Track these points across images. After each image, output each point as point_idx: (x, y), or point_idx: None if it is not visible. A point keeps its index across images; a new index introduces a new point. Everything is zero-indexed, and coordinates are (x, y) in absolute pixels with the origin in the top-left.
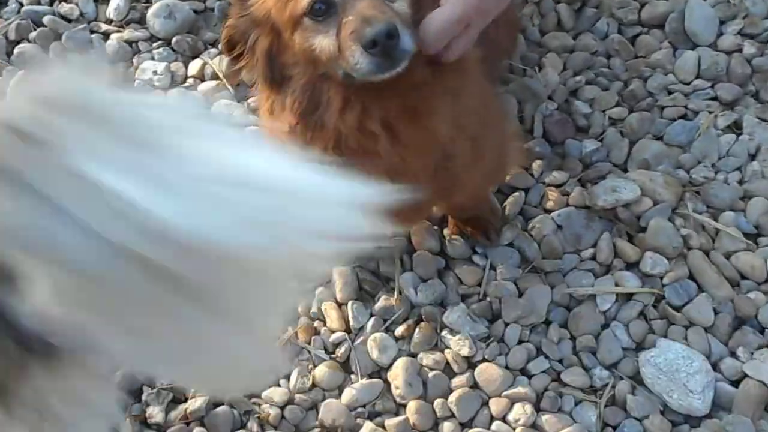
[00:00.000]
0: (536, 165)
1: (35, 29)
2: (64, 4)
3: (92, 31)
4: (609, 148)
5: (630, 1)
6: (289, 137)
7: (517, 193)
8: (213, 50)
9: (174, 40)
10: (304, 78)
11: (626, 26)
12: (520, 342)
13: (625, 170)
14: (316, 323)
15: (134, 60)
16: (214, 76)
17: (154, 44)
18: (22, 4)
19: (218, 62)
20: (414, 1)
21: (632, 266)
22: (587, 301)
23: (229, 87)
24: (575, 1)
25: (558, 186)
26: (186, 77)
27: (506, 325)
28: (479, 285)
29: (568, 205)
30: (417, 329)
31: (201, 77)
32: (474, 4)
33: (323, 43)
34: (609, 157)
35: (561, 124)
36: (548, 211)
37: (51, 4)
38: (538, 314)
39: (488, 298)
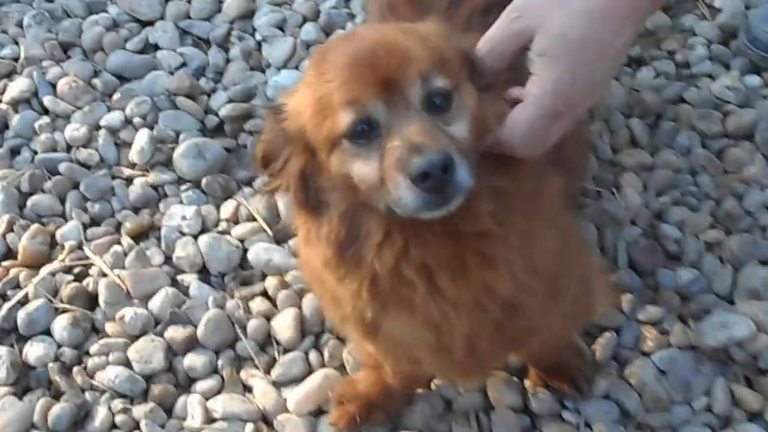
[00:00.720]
0: (626, 299)
1: (50, 178)
2: (82, 149)
3: (114, 177)
4: (709, 277)
5: (711, 111)
6: (326, 271)
7: (608, 334)
8: (247, 189)
9: (204, 181)
10: (342, 206)
11: (710, 139)
12: None
13: (732, 302)
14: None
15: (160, 205)
16: (251, 218)
17: (182, 187)
18: (35, 152)
19: (255, 202)
20: (478, 122)
21: (756, 417)
22: None
23: (268, 229)
24: (649, 115)
25: (655, 324)
26: (218, 221)
27: None
28: None
29: (669, 345)
30: None
31: (235, 219)
32: (564, 93)
33: (363, 170)
34: (711, 287)
35: (649, 251)
36: (646, 354)
37: (68, 151)
38: None
39: None
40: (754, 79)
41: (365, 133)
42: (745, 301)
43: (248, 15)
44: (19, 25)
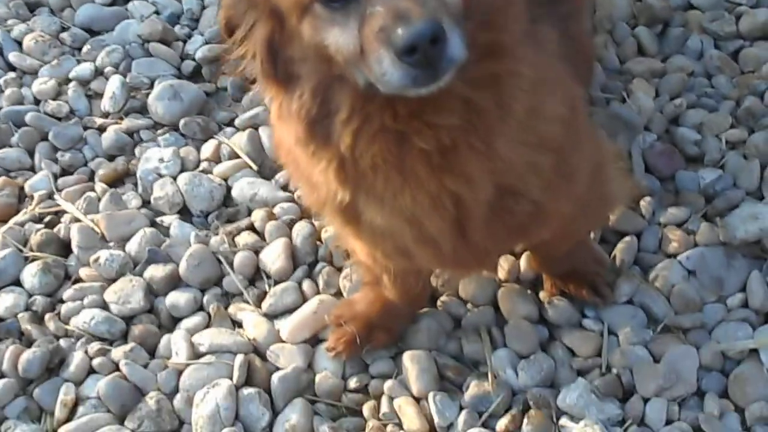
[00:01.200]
0: (645, 203)
1: (16, 132)
2: (50, 101)
3: (85, 127)
4: (734, 174)
5: (723, 12)
6: (298, 149)
7: (627, 238)
8: (229, 129)
9: (182, 122)
10: (315, 79)
11: (723, 41)
12: (668, 422)
13: (761, 197)
14: (389, 427)
15: (136, 151)
16: (233, 156)
17: (159, 131)
18: (0, 108)
19: (237, 139)
20: None
21: None
22: (748, 358)
23: (252, 164)
24: (656, 22)
25: (679, 225)
26: (199, 161)
27: (645, 401)
28: (598, 355)
29: (696, 245)
30: (525, 420)
31: (217, 159)
32: None
33: (340, 39)
34: (736, 184)
35: (667, 155)
36: (671, 256)
37: (36, 104)
38: (686, 383)
39: (614, 370)
40: None
41: None
42: None
43: None
44: None
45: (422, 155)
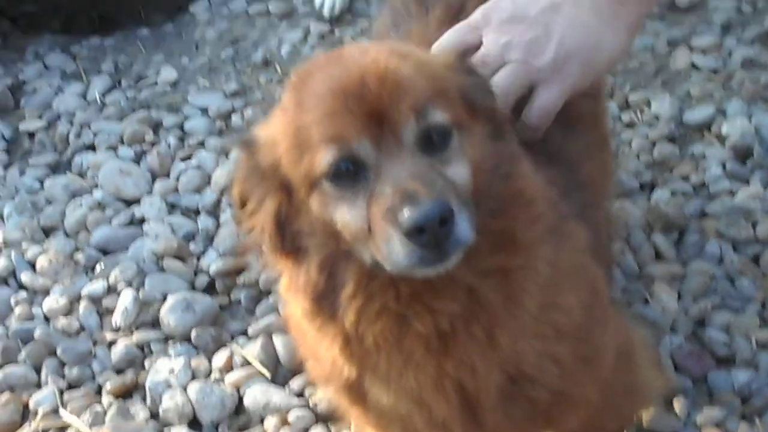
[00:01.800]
0: (678, 403)
1: (23, 347)
2: (61, 318)
3: (95, 343)
4: None
5: (739, 218)
6: (305, 322)
7: None
8: (242, 339)
9: (194, 333)
10: (322, 254)
11: (742, 245)
12: None
13: None
14: None
15: (146, 363)
16: (246, 364)
17: (170, 343)
18: (8, 328)
19: (251, 348)
20: (482, 165)
21: None
22: None
23: (265, 372)
24: (672, 230)
25: (717, 425)
26: (210, 371)
27: None
28: None
29: None
30: None
31: (229, 368)
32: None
33: (348, 217)
34: None
35: (696, 356)
36: None
37: (46, 321)
38: None
39: None
40: None
41: (349, 173)
42: None
43: None
44: (0, 216)
45: (420, 338)
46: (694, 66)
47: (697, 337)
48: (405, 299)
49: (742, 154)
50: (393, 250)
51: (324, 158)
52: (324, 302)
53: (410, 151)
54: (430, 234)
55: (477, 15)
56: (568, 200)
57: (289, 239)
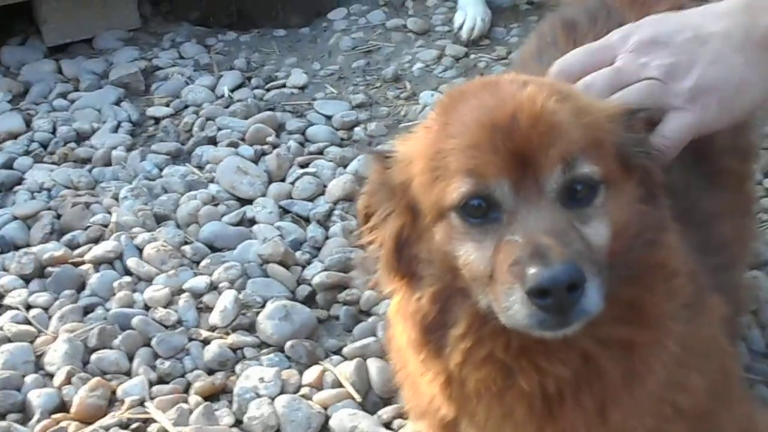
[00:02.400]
0: None
1: (121, 333)
2: (160, 309)
3: (190, 339)
4: None
5: None
6: (408, 350)
7: None
8: (336, 357)
9: (288, 344)
10: (437, 285)
11: None
12: None
13: None
14: None
15: (237, 367)
16: (337, 385)
17: (263, 351)
18: (108, 310)
19: (344, 368)
20: (623, 227)
21: None
22: None
23: (356, 395)
24: None
25: None
26: (300, 386)
27: None
28: None
29: None
30: None
31: (319, 386)
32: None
33: (472, 256)
34: None
35: None
36: None
37: (146, 310)
38: None
39: None
40: None
41: (481, 211)
42: None
43: (353, 197)
44: (115, 197)
45: (524, 396)
46: None
47: None
48: (514, 352)
49: None
50: (512, 306)
51: (457, 190)
52: (432, 336)
53: (550, 202)
54: (555, 298)
55: (614, 35)
56: (701, 262)
57: (405, 262)
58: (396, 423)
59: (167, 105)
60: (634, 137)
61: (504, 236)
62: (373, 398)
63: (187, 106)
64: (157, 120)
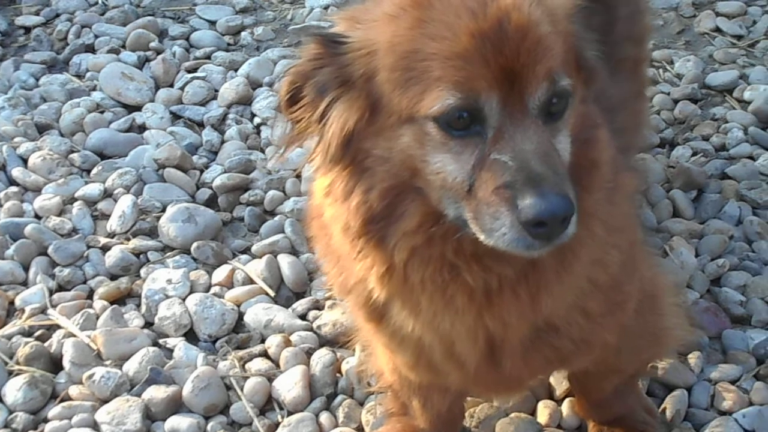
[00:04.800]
0: (693, 358)
1: (12, 243)
2: (53, 217)
3: (89, 246)
4: None
5: (760, 182)
6: (341, 236)
7: (677, 392)
8: (244, 257)
9: (194, 246)
10: (389, 182)
11: (762, 209)
12: None
13: None
14: None
15: (142, 271)
16: (248, 282)
17: (168, 254)
18: None
19: (254, 268)
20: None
21: None
22: None
23: (269, 290)
24: (691, 188)
25: (732, 383)
26: (210, 285)
27: None
28: None
29: (751, 404)
30: None
31: (229, 284)
32: None
33: (449, 167)
34: None
35: (712, 313)
36: (725, 413)
37: (38, 219)
38: None
39: None
40: None
41: (464, 123)
42: None
43: (246, 101)
44: None
45: (466, 289)
46: (718, 30)
47: (713, 295)
48: (463, 254)
49: (764, 120)
50: (498, 229)
51: (443, 101)
52: (374, 226)
53: (533, 119)
54: (549, 228)
55: None
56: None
57: (351, 153)
58: (311, 314)
59: (37, 14)
60: (587, 37)
61: (489, 153)
62: (286, 293)
63: (58, 15)
64: (27, 29)
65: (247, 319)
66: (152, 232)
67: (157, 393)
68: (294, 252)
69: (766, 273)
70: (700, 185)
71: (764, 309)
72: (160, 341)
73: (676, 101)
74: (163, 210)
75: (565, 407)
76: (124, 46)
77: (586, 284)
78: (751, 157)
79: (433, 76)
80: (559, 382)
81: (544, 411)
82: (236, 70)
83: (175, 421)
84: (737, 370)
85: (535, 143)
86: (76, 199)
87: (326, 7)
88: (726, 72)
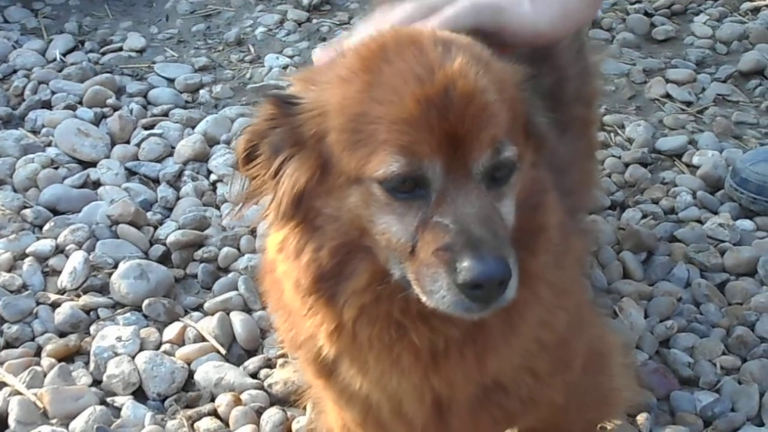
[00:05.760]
0: (642, 418)
1: None
2: (3, 273)
3: (38, 303)
4: (732, 398)
5: (708, 245)
6: (293, 296)
7: None
8: (196, 314)
9: (146, 303)
10: (338, 240)
11: (710, 272)
12: None
13: (761, 424)
14: None
15: (91, 329)
16: (199, 339)
17: (119, 311)
18: None
19: (205, 323)
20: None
21: None
22: None
23: (221, 348)
24: (641, 249)
25: None
26: (161, 343)
27: None
28: None
29: None
30: None
31: (180, 342)
32: None
33: (393, 228)
34: (734, 409)
35: (661, 374)
36: None
37: None
38: None
39: None
40: (746, 223)
41: (408, 187)
42: None
43: (202, 158)
44: None
45: (412, 349)
46: (668, 96)
47: (662, 357)
48: (411, 314)
49: (712, 185)
50: (437, 291)
51: (387, 166)
52: (324, 284)
53: (476, 184)
54: (485, 291)
55: None
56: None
57: (303, 211)
58: (262, 373)
59: None
60: (536, 104)
61: (431, 215)
62: (238, 351)
63: (15, 71)
64: None
65: (197, 377)
66: (103, 289)
67: None
68: (247, 309)
69: (714, 335)
70: (649, 247)
71: (711, 371)
72: (108, 400)
73: (626, 165)
74: (116, 266)
75: None
76: (81, 103)
77: (534, 345)
78: (699, 221)
79: (380, 139)
80: None
81: None
82: (193, 128)
83: None
84: None
85: (476, 207)
86: (27, 255)
87: (285, 67)
88: (675, 137)
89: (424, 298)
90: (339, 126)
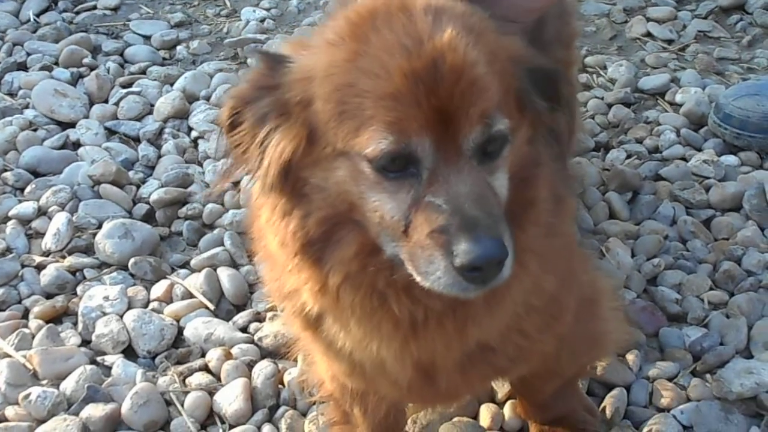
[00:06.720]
0: (632, 357)
1: None
2: None
3: (23, 265)
4: (720, 333)
5: (693, 183)
6: (278, 251)
7: (616, 391)
8: (183, 271)
9: (131, 262)
10: (326, 211)
11: (695, 209)
12: None
13: (749, 357)
14: None
15: (78, 289)
16: (187, 296)
17: (105, 270)
18: None
19: (194, 282)
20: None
21: None
22: None
23: (209, 304)
24: (626, 189)
25: (669, 380)
26: (149, 301)
27: None
28: None
29: (689, 400)
30: None
31: (168, 299)
32: None
33: (384, 207)
34: (723, 342)
35: (649, 311)
36: (663, 410)
37: None
38: None
39: None
40: (730, 158)
41: (399, 165)
42: (766, 353)
43: (182, 115)
44: None
45: (392, 317)
46: (649, 35)
47: (650, 295)
48: (393, 285)
49: (696, 122)
50: (434, 273)
51: (376, 143)
52: (311, 249)
53: (467, 160)
54: (483, 272)
55: None
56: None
57: (290, 181)
58: (252, 327)
59: None
60: (532, 80)
61: (423, 195)
62: (227, 306)
63: None
64: None
65: (186, 333)
66: (88, 250)
67: (95, 411)
68: (234, 265)
69: (701, 271)
70: (634, 187)
71: (699, 306)
72: (98, 359)
73: (609, 105)
74: (100, 227)
75: (507, 409)
76: (57, 63)
77: (521, 308)
78: (684, 158)
79: (366, 115)
80: (500, 385)
81: (486, 414)
82: (172, 85)
83: None
84: (674, 368)
85: (469, 186)
86: (9, 218)
87: (262, 20)
88: (658, 76)
89: (419, 279)
90: (325, 94)
